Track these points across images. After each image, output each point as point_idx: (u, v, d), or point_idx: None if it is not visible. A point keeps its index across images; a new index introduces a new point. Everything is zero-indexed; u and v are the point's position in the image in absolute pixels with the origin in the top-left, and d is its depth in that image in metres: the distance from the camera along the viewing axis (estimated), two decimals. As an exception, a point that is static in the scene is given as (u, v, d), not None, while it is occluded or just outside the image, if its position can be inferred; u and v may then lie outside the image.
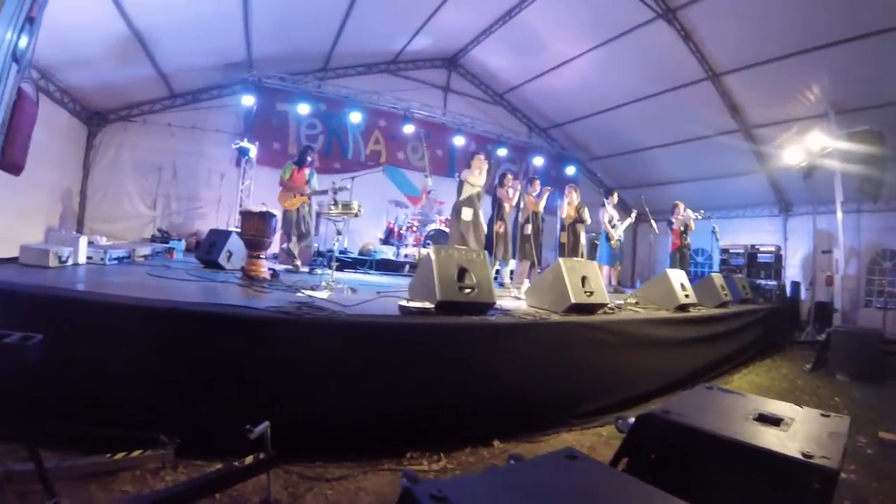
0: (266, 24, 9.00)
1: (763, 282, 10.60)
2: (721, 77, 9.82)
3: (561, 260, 4.93)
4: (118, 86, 9.08)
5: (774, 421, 2.45)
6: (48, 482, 1.78)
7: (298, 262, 7.22)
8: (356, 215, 5.07)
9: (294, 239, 7.21)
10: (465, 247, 4.92)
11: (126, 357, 2.85)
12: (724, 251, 11.29)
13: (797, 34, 8.10)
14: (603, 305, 5.10)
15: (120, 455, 2.59)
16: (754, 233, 12.22)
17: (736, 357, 7.29)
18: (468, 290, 3.88)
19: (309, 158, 7.37)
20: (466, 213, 6.53)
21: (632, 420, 3.39)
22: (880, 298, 10.29)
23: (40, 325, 2.64)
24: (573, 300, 4.70)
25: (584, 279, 4.99)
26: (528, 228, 7.13)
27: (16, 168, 2.03)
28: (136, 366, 2.84)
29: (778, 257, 10.92)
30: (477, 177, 6.78)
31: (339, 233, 5.24)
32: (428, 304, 3.61)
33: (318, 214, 5.20)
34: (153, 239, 9.46)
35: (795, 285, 11.15)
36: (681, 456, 2.47)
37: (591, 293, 4.96)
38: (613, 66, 10.61)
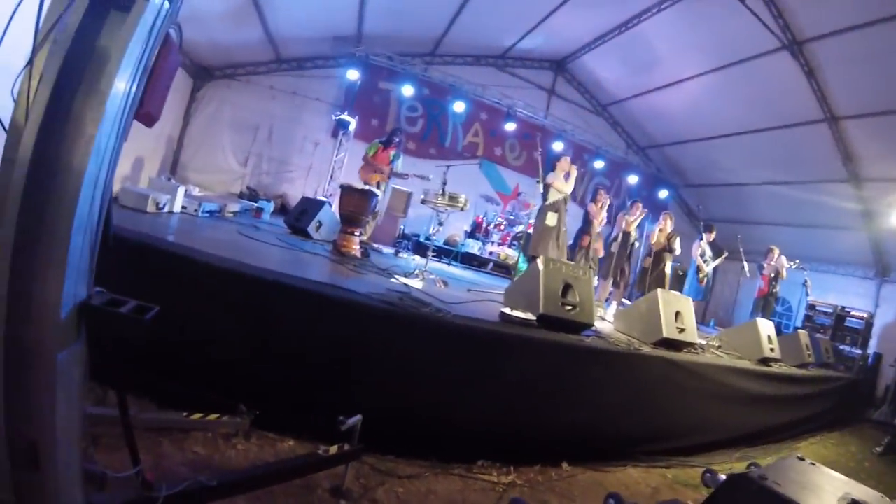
0: (381, 3, 9.09)
1: (847, 348, 9.95)
2: (839, 121, 9.15)
3: (659, 291, 4.81)
4: (228, 45, 9.37)
5: (867, 510, 2.36)
6: (133, 440, 1.73)
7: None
8: (462, 209, 5.08)
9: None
10: (567, 261, 4.80)
11: (219, 320, 2.91)
12: (811, 307, 10.63)
13: (930, 88, 7.49)
14: (692, 344, 4.96)
15: (196, 416, 2.63)
16: (842, 293, 11.40)
17: (807, 423, 6.92)
18: (569, 308, 3.82)
19: (397, 139, 7.46)
20: (551, 219, 6.32)
21: (722, 476, 3.29)
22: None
23: (140, 274, 2.70)
24: (665, 334, 4.60)
25: (677, 314, 4.86)
26: (615, 247, 6.96)
27: (151, 119, 1.97)
28: (228, 330, 2.89)
29: (868, 325, 10.18)
30: (563, 182, 6.50)
31: (440, 223, 5.27)
32: (530, 316, 3.58)
33: (423, 201, 5.20)
34: (241, 195, 9.83)
35: (877, 357, 10.38)
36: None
37: (683, 330, 4.84)
38: (726, 94, 10.11)
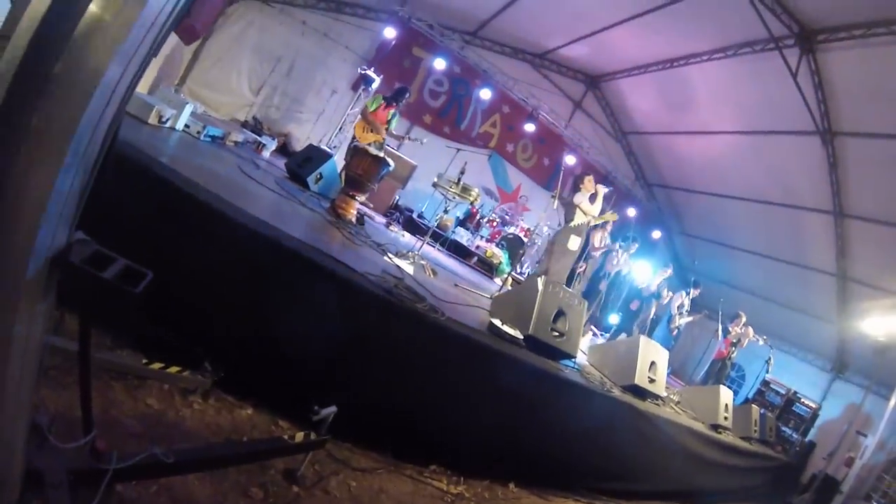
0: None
1: (788, 431, 10.17)
2: (846, 218, 9.32)
3: (642, 339, 4.77)
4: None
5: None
6: (89, 404, 1.48)
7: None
8: (472, 203, 4.90)
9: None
10: (567, 287, 4.60)
11: (202, 263, 2.65)
12: (766, 384, 10.81)
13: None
14: (658, 396, 4.92)
15: (156, 365, 2.41)
16: (797, 376, 11.61)
17: (737, 493, 7.05)
18: (557, 335, 3.71)
19: (403, 99, 7.11)
20: (573, 243, 5.91)
21: None
22: (882, 500, 9.78)
23: (123, 190, 2.36)
24: (636, 381, 4.57)
25: (652, 364, 4.82)
26: (604, 285, 6.87)
27: (193, 35, 1.63)
28: (210, 277, 2.64)
29: (814, 416, 10.40)
30: (590, 204, 6.06)
31: (445, 211, 5.07)
32: (518, 334, 3.44)
33: (435, 185, 4.97)
34: (245, 124, 9.36)
35: (811, 446, 10.65)
36: None
37: (654, 381, 4.80)
38: (748, 158, 10.12)
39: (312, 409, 2.16)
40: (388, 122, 6.94)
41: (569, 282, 6.61)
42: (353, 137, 6.88)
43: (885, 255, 9.05)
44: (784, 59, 7.40)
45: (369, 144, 6.17)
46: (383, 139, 6.90)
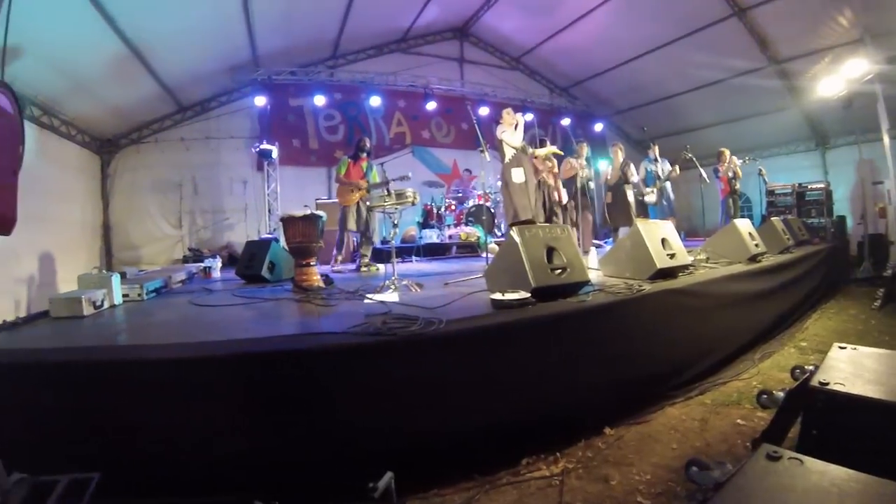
0: (269, 19, 8.60)
1: (814, 220, 10.18)
2: (747, 12, 9.32)
3: (639, 224, 4.59)
4: (124, 108, 8.81)
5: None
6: None
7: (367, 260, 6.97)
8: (413, 203, 4.72)
9: (361, 239, 6.96)
10: (544, 223, 4.50)
11: (199, 418, 2.42)
12: (771, 192, 10.80)
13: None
14: (686, 267, 4.80)
15: None
16: (793, 171, 11.68)
17: (806, 302, 7.01)
18: (560, 272, 3.55)
19: (367, 149, 7.05)
20: (517, 175, 5.94)
21: (780, 394, 3.10)
22: (930, 223, 9.78)
23: (91, 399, 2.31)
24: (658, 266, 4.39)
25: (664, 241, 4.68)
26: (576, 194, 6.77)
27: (6, 222, 1.40)
28: (211, 428, 2.43)
29: (828, 194, 10.43)
30: (513, 133, 6.14)
31: (395, 225, 4.84)
32: (524, 294, 3.27)
33: (371, 208, 4.80)
34: (185, 259, 9.25)
35: (842, 220, 10.68)
36: (853, 429, 2.18)
37: (673, 255, 4.66)
38: (633, 15, 10.06)
39: (368, 488, 1.97)
40: (365, 174, 6.91)
41: (550, 220, 6.54)
42: (343, 206, 6.84)
43: (797, 21, 9.05)
44: None
45: (357, 203, 6.51)
46: (367, 193, 6.81)
